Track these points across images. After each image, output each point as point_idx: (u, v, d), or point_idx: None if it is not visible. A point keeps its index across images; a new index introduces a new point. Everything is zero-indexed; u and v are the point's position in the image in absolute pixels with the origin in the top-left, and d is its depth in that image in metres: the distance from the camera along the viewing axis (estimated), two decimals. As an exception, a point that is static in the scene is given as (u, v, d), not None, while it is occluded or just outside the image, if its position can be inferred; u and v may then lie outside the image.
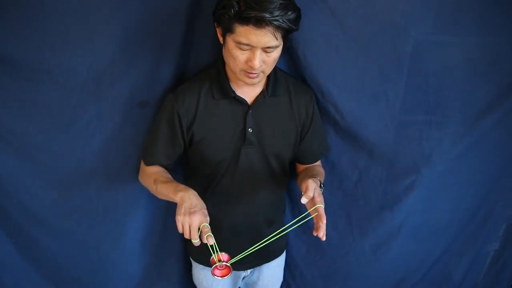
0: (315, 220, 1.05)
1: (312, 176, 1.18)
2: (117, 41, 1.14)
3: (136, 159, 1.30)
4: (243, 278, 1.42)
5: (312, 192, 1.03)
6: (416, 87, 1.25)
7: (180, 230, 0.99)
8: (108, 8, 1.09)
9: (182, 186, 1.08)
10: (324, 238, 1.04)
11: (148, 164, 1.24)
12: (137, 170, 1.32)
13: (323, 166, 1.37)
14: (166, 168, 1.24)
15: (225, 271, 1.07)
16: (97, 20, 1.09)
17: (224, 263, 1.04)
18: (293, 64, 1.28)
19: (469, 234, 1.51)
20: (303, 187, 1.06)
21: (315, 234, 1.04)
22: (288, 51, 1.25)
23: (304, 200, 1.03)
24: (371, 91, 1.27)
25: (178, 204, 1.02)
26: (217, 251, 1.03)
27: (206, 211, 1.03)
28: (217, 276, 1.07)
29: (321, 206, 1.03)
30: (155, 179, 1.17)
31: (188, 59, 1.27)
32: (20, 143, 1.20)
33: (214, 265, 1.05)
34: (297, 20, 1.00)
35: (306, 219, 1.07)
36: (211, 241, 0.97)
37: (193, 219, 0.98)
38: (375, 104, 1.28)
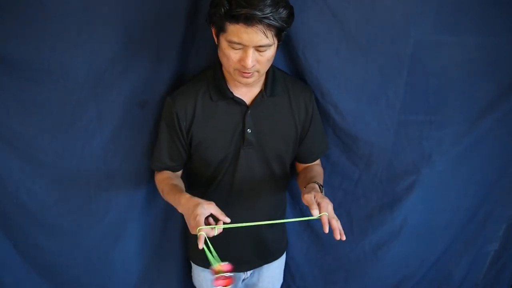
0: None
1: (311, 179, 1.18)
2: (117, 41, 1.14)
3: (136, 158, 1.30)
4: (243, 280, 1.42)
5: (315, 204, 1.01)
6: (416, 87, 1.25)
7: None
8: (108, 8, 1.09)
9: (178, 197, 1.08)
10: (343, 238, 1.01)
11: (156, 169, 1.25)
12: (137, 170, 1.32)
13: (323, 166, 1.37)
14: (175, 171, 1.25)
15: (227, 281, 1.03)
16: (97, 20, 1.09)
17: (227, 274, 1.01)
18: (293, 64, 1.28)
19: (469, 234, 1.51)
20: (304, 202, 1.05)
21: (337, 238, 1.02)
22: (288, 51, 1.25)
23: (316, 213, 1.00)
24: (371, 91, 1.27)
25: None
26: (216, 259, 1.01)
27: (202, 207, 1.00)
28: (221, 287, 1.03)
29: (325, 214, 1.01)
30: (162, 189, 1.20)
31: (188, 59, 1.27)
32: (20, 143, 1.19)
33: (216, 276, 1.01)
34: (289, 18, 0.99)
35: (308, 218, 1.06)
36: (200, 244, 0.96)
37: (194, 229, 0.98)
38: (375, 104, 1.28)
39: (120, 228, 1.39)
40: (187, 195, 1.07)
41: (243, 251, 1.32)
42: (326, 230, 1.00)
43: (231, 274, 1.02)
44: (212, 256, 1.00)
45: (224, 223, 1.01)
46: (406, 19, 1.16)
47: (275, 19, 0.95)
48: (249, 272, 1.40)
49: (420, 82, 1.25)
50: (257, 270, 1.40)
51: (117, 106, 1.22)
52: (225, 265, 1.02)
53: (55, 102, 1.16)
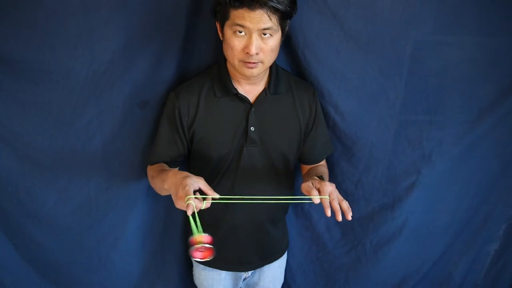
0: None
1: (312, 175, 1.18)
2: (117, 41, 1.14)
3: (136, 158, 1.30)
4: (244, 279, 1.42)
5: (314, 190, 0.99)
6: (416, 87, 1.25)
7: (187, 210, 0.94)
8: (108, 8, 1.09)
9: (166, 174, 1.07)
10: (348, 218, 0.97)
11: (151, 163, 1.24)
12: (137, 170, 1.32)
13: (324, 167, 1.37)
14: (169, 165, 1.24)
15: (206, 253, 0.99)
16: (97, 20, 1.10)
17: (207, 245, 0.97)
18: (293, 64, 1.28)
19: (470, 234, 1.51)
20: (303, 191, 1.03)
21: (338, 219, 0.97)
22: (288, 51, 1.25)
23: (316, 200, 0.97)
24: (371, 91, 1.27)
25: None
26: (200, 231, 0.97)
27: (191, 178, 0.98)
28: (198, 259, 0.99)
29: (325, 198, 0.97)
30: (152, 175, 1.19)
31: (189, 59, 1.27)
32: (20, 143, 1.20)
33: (195, 247, 0.97)
34: (292, 3, 1.01)
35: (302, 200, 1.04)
36: (189, 211, 0.92)
37: (182, 199, 0.94)
38: (375, 104, 1.28)
39: (120, 228, 1.39)
40: (175, 170, 1.06)
41: (244, 251, 1.32)
42: (328, 214, 0.96)
43: (211, 246, 0.98)
44: (195, 226, 0.97)
45: (213, 199, 0.98)
46: (406, 19, 1.16)
47: (278, 2, 0.97)
48: (250, 272, 1.40)
49: (420, 82, 1.25)
50: (258, 269, 1.40)
51: (117, 106, 1.22)
52: (205, 236, 0.98)
53: (55, 102, 1.17)
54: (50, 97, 1.16)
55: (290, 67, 1.29)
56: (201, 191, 0.99)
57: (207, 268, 1.35)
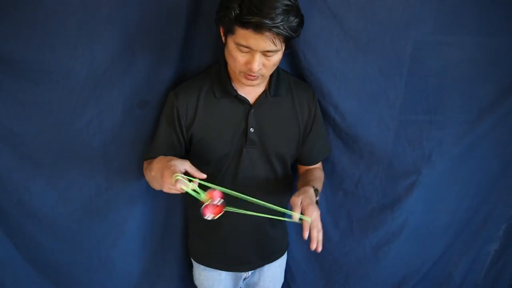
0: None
1: (308, 182, 1.18)
2: (117, 41, 1.14)
3: (136, 159, 1.30)
4: (244, 279, 1.42)
5: (298, 208, 1.02)
6: (416, 87, 1.25)
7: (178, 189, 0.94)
8: (108, 8, 1.09)
9: (153, 162, 1.07)
10: (318, 250, 1.05)
11: (146, 159, 1.24)
12: (137, 170, 1.32)
13: (324, 166, 1.37)
14: None
15: (218, 209, 0.96)
16: (97, 20, 1.10)
17: (217, 201, 0.94)
18: (293, 65, 1.28)
19: (470, 234, 1.51)
20: (290, 203, 1.05)
21: (312, 248, 1.04)
22: (289, 51, 1.25)
23: (296, 217, 1.01)
24: (371, 91, 1.27)
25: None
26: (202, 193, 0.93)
27: (176, 160, 0.99)
28: (211, 216, 0.95)
29: (307, 220, 1.01)
30: (145, 167, 1.20)
31: (189, 59, 1.27)
32: (20, 143, 1.20)
33: (205, 204, 0.94)
34: (299, 26, 0.99)
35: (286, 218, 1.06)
36: (179, 184, 0.91)
37: (167, 183, 0.95)
38: (375, 104, 1.28)
39: (121, 227, 1.39)
40: (161, 156, 1.07)
41: (244, 251, 1.32)
42: (305, 237, 1.02)
43: (222, 200, 0.96)
44: (199, 194, 0.94)
45: (201, 180, 0.98)
46: (406, 19, 1.16)
47: (285, 29, 0.95)
48: (250, 272, 1.40)
49: (420, 82, 1.25)
50: (258, 269, 1.40)
51: (117, 106, 1.22)
52: (215, 192, 0.97)
53: (55, 102, 1.17)
54: (50, 97, 1.16)
55: (290, 67, 1.29)
56: (188, 175, 0.98)
57: (207, 268, 1.35)
